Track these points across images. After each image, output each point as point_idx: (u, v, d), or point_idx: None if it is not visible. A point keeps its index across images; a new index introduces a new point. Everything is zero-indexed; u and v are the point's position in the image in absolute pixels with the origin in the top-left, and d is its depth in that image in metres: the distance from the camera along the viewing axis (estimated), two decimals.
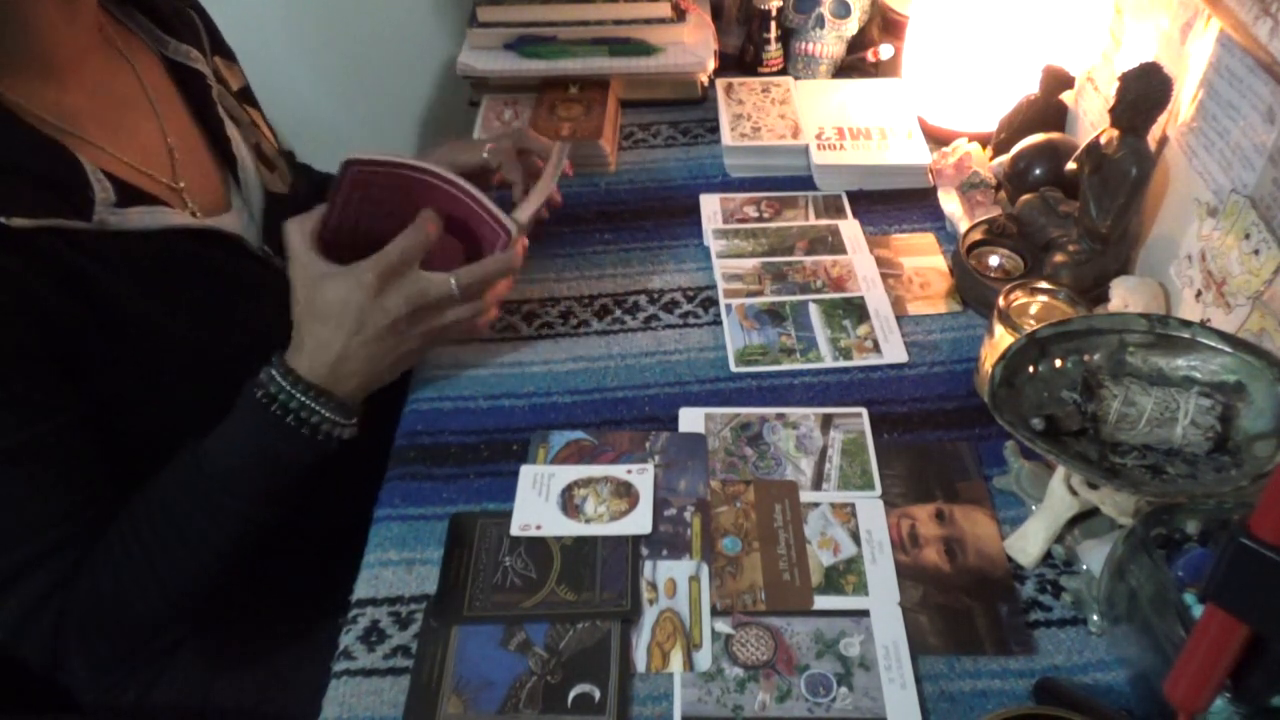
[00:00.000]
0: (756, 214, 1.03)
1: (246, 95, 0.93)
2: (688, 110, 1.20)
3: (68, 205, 0.67)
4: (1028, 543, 0.70)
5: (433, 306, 0.75)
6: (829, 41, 1.19)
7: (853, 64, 1.23)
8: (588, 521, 0.73)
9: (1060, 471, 0.68)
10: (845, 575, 0.70)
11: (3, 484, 0.66)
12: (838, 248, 0.98)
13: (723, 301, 0.92)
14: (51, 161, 0.68)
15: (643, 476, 0.76)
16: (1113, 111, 0.82)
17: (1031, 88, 1.01)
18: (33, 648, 0.69)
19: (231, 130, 0.85)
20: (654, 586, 0.69)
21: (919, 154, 1.06)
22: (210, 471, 0.71)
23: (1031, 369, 0.69)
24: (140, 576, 0.70)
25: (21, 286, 0.64)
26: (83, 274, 0.67)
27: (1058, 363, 0.69)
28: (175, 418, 0.75)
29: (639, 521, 0.73)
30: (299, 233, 0.73)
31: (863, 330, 0.89)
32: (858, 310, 0.91)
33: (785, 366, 0.86)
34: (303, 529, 0.79)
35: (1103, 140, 0.84)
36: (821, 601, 0.68)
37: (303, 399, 0.71)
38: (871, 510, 0.74)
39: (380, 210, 0.75)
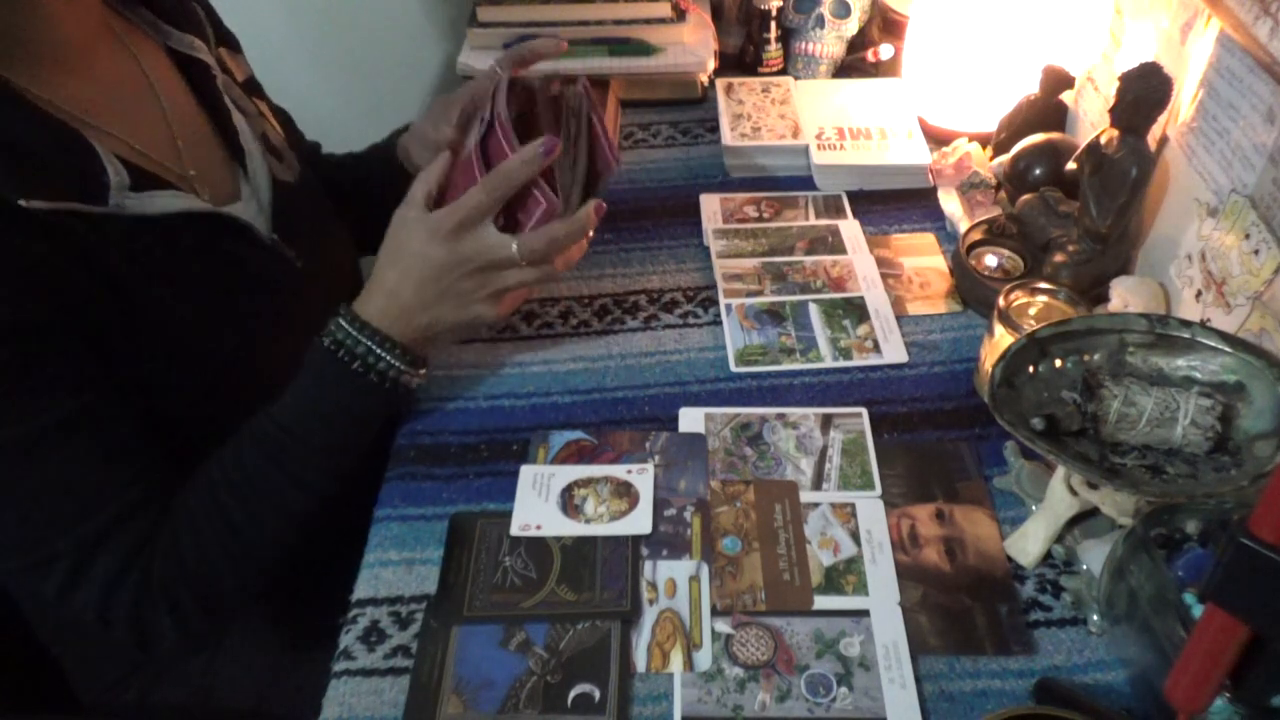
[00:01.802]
0: (756, 214, 1.03)
1: (252, 86, 0.93)
2: (688, 110, 1.20)
3: (84, 189, 0.68)
4: (1028, 543, 0.70)
5: (493, 264, 0.75)
6: (829, 41, 1.19)
7: (853, 64, 1.23)
8: (588, 521, 0.73)
9: (1060, 471, 0.68)
10: (845, 575, 0.70)
11: (69, 452, 0.66)
12: (838, 248, 0.98)
13: (723, 301, 0.92)
14: (66, 146, 0.68)
15: (643, 476, 0.76)
16: (1113, 111, 0.82)
17: (1031, 88, 1.01)
18: (122, 611, 0.69)
19: (238, 119, 0.85)
20: (654, 586, 0.69)
21: (919, 154, 1.06)
22: (283, 425, 0.72)
23: (1031, 369, 0.69)
24: (220, 534, 0.70)
25: (48, 267, 0.64)
26: (100, 258, 0.67)
27: (1058, 363, 0.69)
28: (191, 406, 0.75)
29: (639, 521, 0.73)
30: (422, 183, 0.77)
31: (863, 330, 0.89)
32: (858, 310, 0.91)
33: (785, 366, 0.86)
34: (303, 530, 0.79)
35: (1103, 140, 0.84)
36: (821, 601, 0.68)
37: (369, 344, 0.73)
38: (871, 510, 0.74)
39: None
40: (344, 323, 0.74)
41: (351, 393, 0.74)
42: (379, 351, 0.74)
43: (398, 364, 0.74)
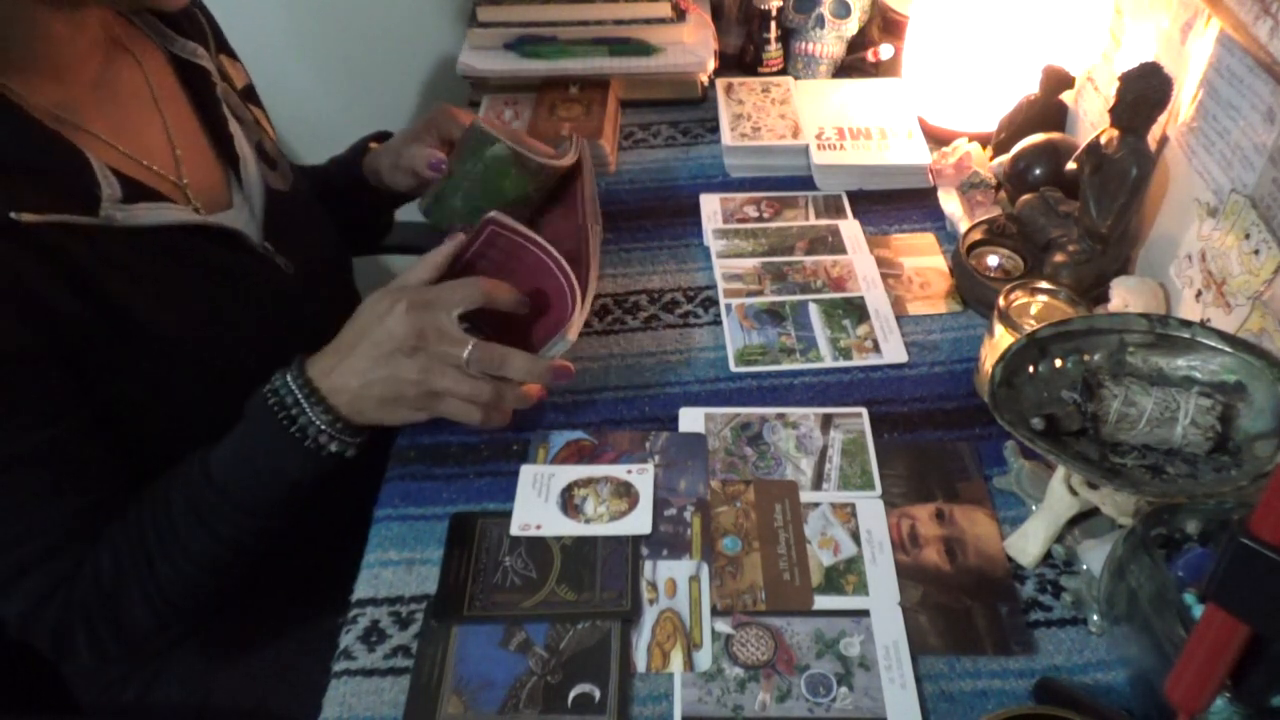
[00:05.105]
0: (756, 214, 1.03)
1: (250, 94, 0.93)
2: (688, 110, 1.20)
3: (75, 201, 0.67)
4: (1028, 543, 0.70)
5: (438, 356, 0.71)
6: (829, 41, 1.19)
7: (853, 64, 1.23)
8: (588, 521, 0.73)
9: (1060, 471, 0.68)
10: (845, 575, 0.70)
11: (22, 483, 0.67)
12: (838, 248, 0.98)
13: (723, 301, 0.92)
14: (59, 157, 0.68)
15: (643, 476, 0.76)
16: (1113, 111, 0.82)
17: (1031, 88, 1.01)
18: (39, 639, 0.70)
19: (235, 127, 0.85)
20: (654, 586, 0.69)
21: (919, 154, 1.06)
22: (213, 480, 0.71)
23: (1031, 369, 0.69)
24: (140, 578, 0.70)
25: (29, 286, 0.64)
26: (89, 271, 0.67)
27: (1058, 363, 0.69)
28: (179, 416, 0.75)
29: (639, 521, 0.73)
30: (426, 265, 0.76)
31: (863, 330, 0.89)
32: (858, 310, 0.91)
33: (785, 366, 0.86)
34: (303, 529, 0.79)
35: (1103, 140, 0.84)
36: (821, 601, 0.68)
37: (305, 405, 0.71)
38: (871, 510, 0.74)
39: (492, 266, 0.77)
40: (289, 378, 0.71)
41: (283, 452, 0.71)
42: (311, 415, 0.70)
43: (329, 429, 0.71)
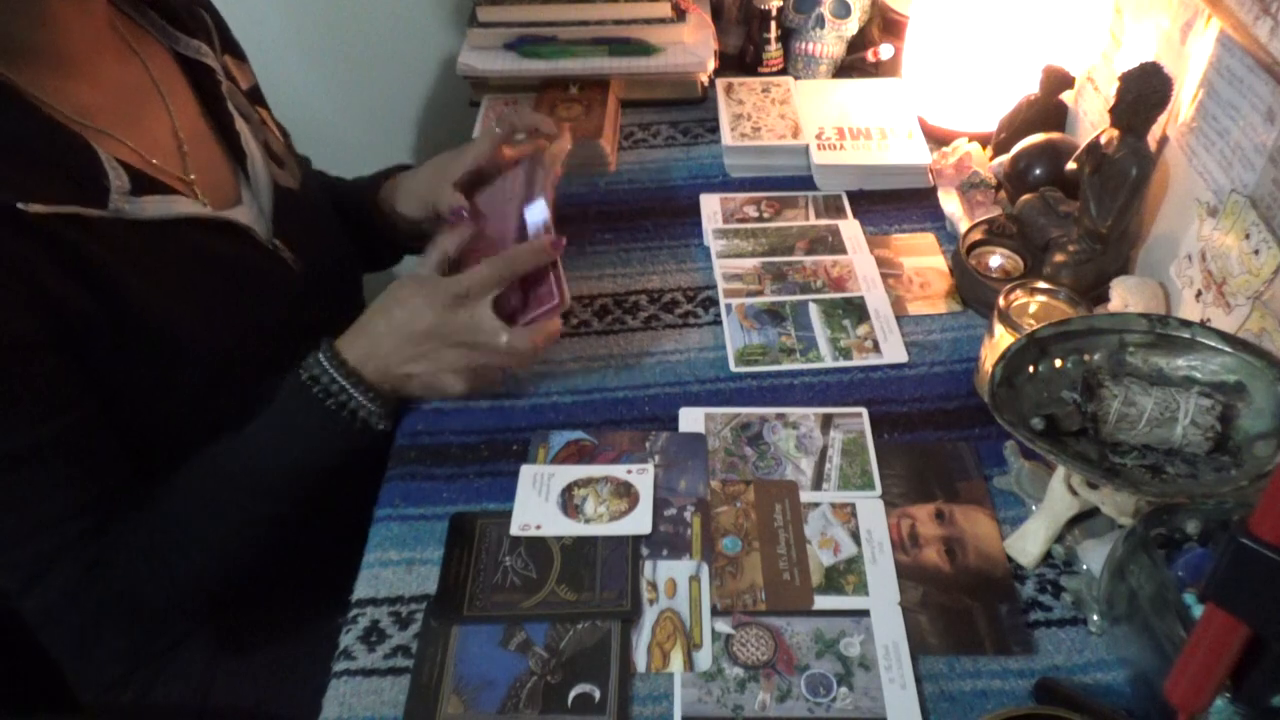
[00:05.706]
0: (756, 214, 1.03)
1: (255, 95, 0.93)
2: (688, 110, 1.20)
3: (84, 193, 0.68)
4: (1028, 543, 0.70)
5: (479, 347, 0.76)
6: (829, 41, 1.19)
7: (853, 64, 1.23)
8: (588, 521, 0.73)
9: (1060, 471, 0.68)
10: (845, 575, 0.70)
11: (27, 477, 0.67)
12: (838, 248, 0.98)
13: (723, 301, 0.92)
14: (68, 150, 0.68)
15: (643, 476, 0.76)
16: (1113, 111, 0.82)
17: (1031, 88, 1.01)
18: (63, 636, 0.70)
19: (241, 125, 0.85)
20: (654, 586, 0.69)
21: (919, 154, 1.06)
22: (252, 465, 0.72)
23: (1031, 369, 0.69)
24: (169, 563, 0.71)
25: (36, 277, 0.64)
26: (96, 263, 0.68)
27: (1058, 363, 0.69)
28: (183, 410, 0.75)
29: (639, 521, 0.73)
30: (438, 249, 0.81)
31: (863, 330, 0.89)
32: (858, 310, 0.91)
33: (785, 366, 0.86)
34: (304, 528, 0.79)
35: (1103, 140, 0.84)
36: (821, 601, 0.68)
37: (344, 382, 0.73)
38: (871, 510, 0.74)
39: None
40: (323, 358, 0.74)
41: (320, 427, 0.74)
42: (351, 390, 0.74)
43: (369, 405, 0.75)
